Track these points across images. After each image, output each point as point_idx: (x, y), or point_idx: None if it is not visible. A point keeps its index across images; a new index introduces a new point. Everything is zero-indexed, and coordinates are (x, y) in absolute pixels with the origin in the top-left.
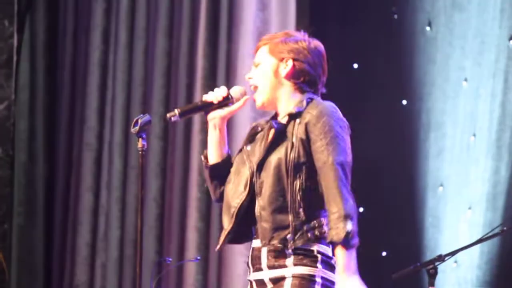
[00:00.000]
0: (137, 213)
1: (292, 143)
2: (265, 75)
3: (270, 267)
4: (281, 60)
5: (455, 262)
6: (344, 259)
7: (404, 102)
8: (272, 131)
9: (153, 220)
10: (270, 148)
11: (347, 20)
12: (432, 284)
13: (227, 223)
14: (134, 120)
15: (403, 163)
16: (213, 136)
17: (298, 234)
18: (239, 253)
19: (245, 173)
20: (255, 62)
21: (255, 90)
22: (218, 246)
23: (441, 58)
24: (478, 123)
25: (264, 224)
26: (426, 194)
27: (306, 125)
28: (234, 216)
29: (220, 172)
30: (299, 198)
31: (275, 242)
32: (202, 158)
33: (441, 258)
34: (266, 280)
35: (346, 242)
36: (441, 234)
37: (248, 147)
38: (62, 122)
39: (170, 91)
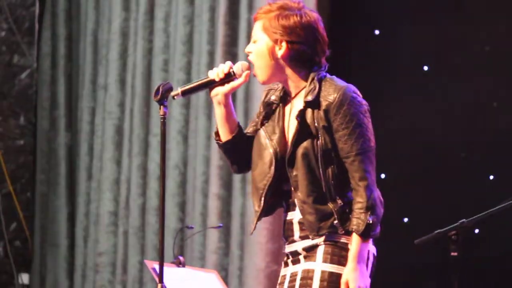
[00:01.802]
0: (159, 180)
1: (317, 132)
2: (261, 55)
3: (303, 237)
4: (275, 41)
5: (478, 228)
6: (358, 247)
7: (426, 68)
8: (296, 123)
9: (175, 188)
10: (296, 140)
11: None
12: (455, 250)
13: (257, 206)
14: (156, 87)
15: (424, 129)
16: (219, 112)
17: (344, 218)
18: (261, 221)
19: (268, 153)
20: (252, 36)
21: (254, 66)
22: (252, 230)
23: (466, 22)
24: (501, 89)
25: (309, 217)
26: (447, 161)
27: (326, 112)
28: (263, 198)
29: (234, 147)
30: (333, 185)
31: (324, 231)
32: (214, 136)
33: (463, 224)
34: (300, 250)
35: (365, 234)
36: (463, 200)
37: (266, 125)
38: (84, 90)
39: (192, 58)
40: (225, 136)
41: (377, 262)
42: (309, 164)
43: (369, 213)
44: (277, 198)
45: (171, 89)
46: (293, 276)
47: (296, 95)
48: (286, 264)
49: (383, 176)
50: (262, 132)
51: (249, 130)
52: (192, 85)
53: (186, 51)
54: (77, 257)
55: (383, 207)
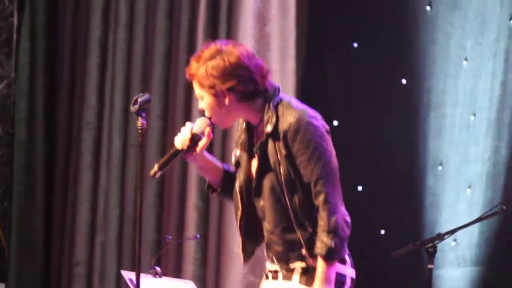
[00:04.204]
0: (136, 191)
1: (279, 162)
2: (212, 110)
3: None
4: (216, 94)
5: (454, 240)
6: (322, 271)
7: (404, 81)
8: (256, 158)
9: (153, 199)
10: (260, 171)
11: None
12: (431, 262)
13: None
14: (134, 99)
15: (402, 142)
16: (204, 171)
17: (313, 247)
18: (238, 231)
19: (237, 189)
20: (196, 95)
21: (213, 121)
22: (243, 260)
23: (441, 37)
24: (478, 103)
25: (277, 248)
26: (425, 173)
27: (284, 140)
28: (239, 230)
29: (229, 191)
30: (301, 212)
31: (292, 261)
32: (207, 190)
33: (440, 237)
34: (279, 269)
35: (327, 257)
36: (440, 213)
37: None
38: (62, 101)
39: (170, 70)
40: (218, 186)
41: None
42: (275, 194)
43: (331, 236)
44: (257, 225)
45: (149, 100)
46: None
47: (258, 124)
48: (267, 277)
49: (360, 188)
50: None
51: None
52: (164, 160)
53: (164, 62)
54: (53, 267)
55: (349, 228)
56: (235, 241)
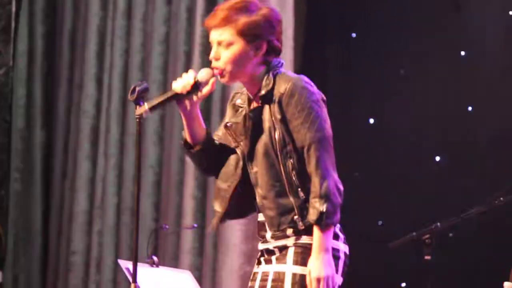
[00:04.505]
0: (134, 180)
1: (274, 126)
2: (238, 58)
3: (274, 237)
4: (252, 42)
5: (452, 232)
6: (317, 238)
7: (402, 71)
8: (250, 121)
9: (150, 188)
10: (254, 137)
11: None
12: (429, 253)
13: (219, 206)
14: (132, 87)
15: (400, 131)
16: (190, 123)
17: (305, 214)
18: (235, 222)
19: (235, 155)
20: (223, 41)
21: (221, 73)
22: (215, 228)
23: (438, 27)
24: (475, 93)
25: (269, 212)
26: (423, 163)
27: (279, 104)
28: (227, 200)
29: (204, 153)
30: (294, 178)
31: (284, 227)
32: (184, 146)
33: (437, 228)
34: (271, 248)
35: (320, 223)
36: (438, 204)
37: (234, 127)
38: (60, 89)
39: (169, 58)
40: (196, 145)
41: (351, 264)
42: (269, 158)
43: (323, 201)
44: (247, 200)
45: (147, 89)
46: (265, 275)
47: (256, 95)
48: (259, 262)
49: (356, 174)
50: (228, 134)
51: (219, 133)
52: (159, 100)
53: (163, 51)
54: (50, 256)
55: (341, 196)
56: (232, 230)
